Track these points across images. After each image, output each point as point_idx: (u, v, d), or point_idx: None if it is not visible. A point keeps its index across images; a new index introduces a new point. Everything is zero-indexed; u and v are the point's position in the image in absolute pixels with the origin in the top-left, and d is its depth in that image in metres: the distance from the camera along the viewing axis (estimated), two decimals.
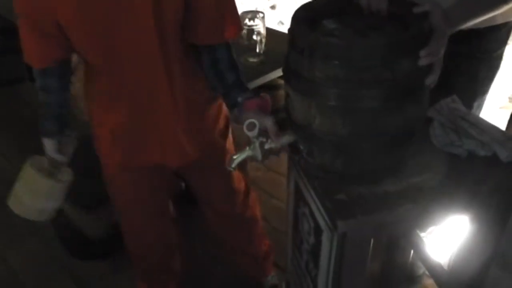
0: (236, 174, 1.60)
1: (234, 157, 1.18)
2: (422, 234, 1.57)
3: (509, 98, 2.57)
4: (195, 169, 1.49)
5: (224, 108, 1.45)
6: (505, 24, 1.40)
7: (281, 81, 2.08)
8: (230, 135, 1.52)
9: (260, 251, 1.80)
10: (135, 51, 1.17)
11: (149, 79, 1.23)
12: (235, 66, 1.28)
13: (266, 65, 2.05)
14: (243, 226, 1.70)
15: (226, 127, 1.49)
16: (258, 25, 2.07)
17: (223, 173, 1.32)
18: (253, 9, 3.32)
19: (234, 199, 1.61)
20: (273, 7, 3.56)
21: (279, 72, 1.95)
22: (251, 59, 2.08)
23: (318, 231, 1.19)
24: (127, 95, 1.26)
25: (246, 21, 2.06)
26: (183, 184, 1.95)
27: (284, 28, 3.06)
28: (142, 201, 1.48)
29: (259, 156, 1.18)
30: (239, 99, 1.23)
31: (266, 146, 1.17)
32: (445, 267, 1.47)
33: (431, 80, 1.02)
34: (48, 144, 1.34)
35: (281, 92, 1.89)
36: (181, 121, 1.33)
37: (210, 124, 1.42)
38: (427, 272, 1.60)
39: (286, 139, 1.17)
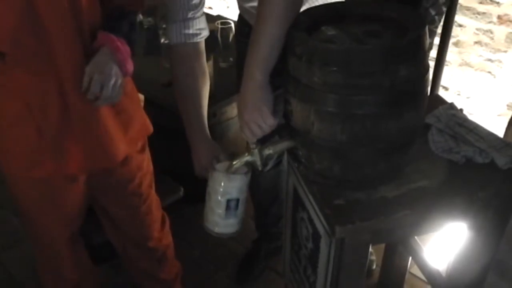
0: (155, 201, 1.56)
1: (234, 163, 1.19)
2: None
3: (507, 105, 2.58)
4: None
5: None
6: None
7: None
8: None
9: (171, 276, 1.72)
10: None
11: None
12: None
13: None
14: (157, 254, 1.64)
15: None
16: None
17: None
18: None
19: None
20: None
21: None
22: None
23: (316, 236, 1.19)
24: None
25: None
26: (182, 189, 1.95)
27: None
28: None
29: (258, 162, 1.18)
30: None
31: (266, 153, 1.17)
32: (443, 274, 1.47)
33: None
34: None
35: None
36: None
37: None
38: (425, 279, 1.60)
39: (285, 145, 1.18)
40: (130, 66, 1.22)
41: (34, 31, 1.10)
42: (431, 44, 1.86)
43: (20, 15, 1.07)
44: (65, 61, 1.15)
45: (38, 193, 1.32)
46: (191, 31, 1.31)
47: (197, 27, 1.32)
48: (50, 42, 1.12)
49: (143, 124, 1.42)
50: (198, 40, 1.34)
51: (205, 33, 1.36)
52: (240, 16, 1.64)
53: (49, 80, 1.16)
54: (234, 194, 1.19)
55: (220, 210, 1.20)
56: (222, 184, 1.18)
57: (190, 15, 1.29)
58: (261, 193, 1.93)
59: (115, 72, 1.16)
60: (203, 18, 1.34)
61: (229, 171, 1.18)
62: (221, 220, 1.21)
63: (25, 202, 1.37)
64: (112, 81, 1.14)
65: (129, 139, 1.35)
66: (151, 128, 1.44)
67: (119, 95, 1.18)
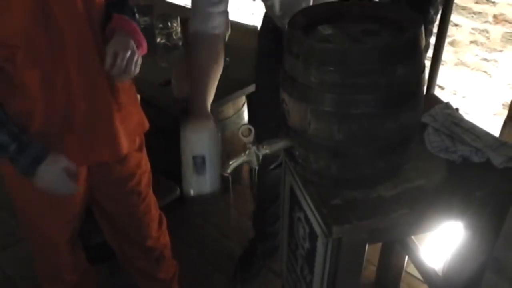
0: (153, 200, 1.58)
1: (230, 162, 1.18)
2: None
3: (503, 104, 2.59)
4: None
5: None
6: None
7: None
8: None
9: (168, 276, 1.73)
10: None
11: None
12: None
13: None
14: (155, 254, 1.65)
15: None
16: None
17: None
18: (250, 14, 3.32)
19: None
20: None
21: None
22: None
23: (313, 236, 1.19)
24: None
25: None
26: (178, 189, 1.95)
27: None
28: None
29: (255, 162, 1.18)
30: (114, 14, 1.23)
31: (262, 152, 1.17)
32: (440, 273, 1.48)
33: None
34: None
35: None
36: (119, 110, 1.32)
37: None
38: (421, 278, 1.60)
39: (282, 144, 1.17)
40: (145, 45, 1.27)
41: (46, 28, 1.11)
42: (429, 44, 1.87)
43: (32, 11, 1.08)
44: (75, 58, 1.17)
45: (38, 194, 1.32)
46: (210, 25, 1.35)
47: (216, 22, 1.36)
48: (61, 39, 1.13)
49: (140, 120, 1.43)
50: (217, 32, 1.38)
51: (225, 28, 1.40)
52: (265, 13, 1.67)
53: (57, 78, 1.17)
54: (198, 151, 1.19)
55: (189, 169, 1.20)
56: (186, 139, 1.19)
57: (211, 10, 1.34)
58: (265, 190, 1.94)
59: (136, 49, 1.20)
60: (225, 15, 1.39)
61: (225, 169, 1.19)
62: (191, 179, 1.21)
63: (26, 204, 1.37)
64: (136, 57, 1.18)
65: (127, 134, 1.36)
66: (147, 125, 1.46)
67: (137, 71, 1.23)
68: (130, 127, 1.37)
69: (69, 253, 1.50)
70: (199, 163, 1.19)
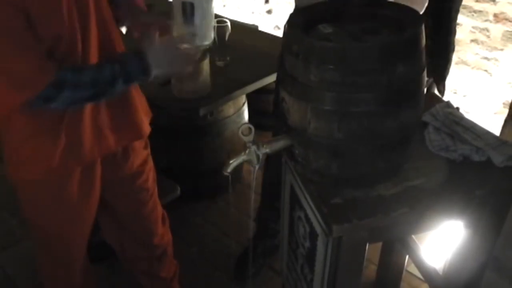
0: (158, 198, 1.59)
1: (230, 161, 1.18)
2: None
3: (503, 103, 2.59)
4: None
5: None
6: None
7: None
8: None
9: (170, 274, 1.74)
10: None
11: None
12: None
13: (262, 68, 2.05)
14: (158, 252, 1.66)
15: None
16: None
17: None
18: (250, 13, 3.31)
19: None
20: (269, 12, 3.58)
21: (274, 77, 1.96)
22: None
23: (313, 235, 1.19)
24: None
25: None
26: (179, 188, 1.95)
27: (280, 33, 3.06)
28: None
29: (255, 161, 1.18)
30: None
31: (262, 151, 1.17)
32: (440, 272, 1.48)
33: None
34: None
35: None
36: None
37: None
38: (422, 277, 1.60)
39: (282, 143, 1.17)
40: None
41: (80, 15, 1.12)
42: (453, 44, 1.85)
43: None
44: (97, 36, 1.18)
45: (61, 205, 1.32)
46: None
47: None
48: (88, 21, 1.15)
49: (147, 107, 1.46)
50: None
51: None
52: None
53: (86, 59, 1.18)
54: None
55: (180, 18, 1.23)
56: None
57: None
58: (277, 183, 1.92)
59: None
60: None
61: (225, 169, 1.19)
62: (181, 27, 1.24)
63: (46, 216, 1.36)
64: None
65: (144, 113, 1.40)
66: (150, 112, 1.48)
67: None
68: (144, 108, 1.40)
69: (84, 255, 1.51)
70: (188, 11, 1.21)
